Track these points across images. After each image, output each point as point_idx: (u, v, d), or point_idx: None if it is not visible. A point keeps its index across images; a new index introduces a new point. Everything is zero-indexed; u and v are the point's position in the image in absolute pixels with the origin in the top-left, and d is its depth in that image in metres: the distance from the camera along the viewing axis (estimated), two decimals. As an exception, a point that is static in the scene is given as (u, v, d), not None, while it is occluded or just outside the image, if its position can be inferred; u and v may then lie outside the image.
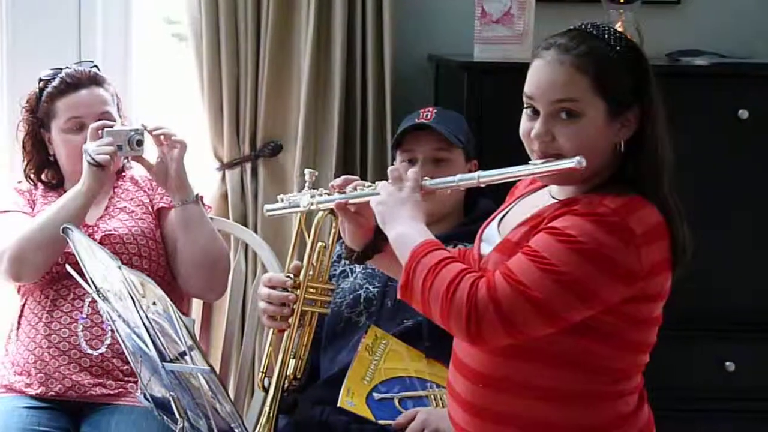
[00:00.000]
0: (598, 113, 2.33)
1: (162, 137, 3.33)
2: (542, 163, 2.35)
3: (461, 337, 2.32)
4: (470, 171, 3.05)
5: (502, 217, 2.54)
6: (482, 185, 2.46)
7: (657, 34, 3.91)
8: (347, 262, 3.20)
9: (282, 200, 2.76)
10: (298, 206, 2.69)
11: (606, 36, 2.38)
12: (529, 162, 2.38)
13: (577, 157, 2.30)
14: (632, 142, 2.38)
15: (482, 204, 3.16)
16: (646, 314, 2.38)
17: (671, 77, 3.73)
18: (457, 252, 2.64)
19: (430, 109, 3.24)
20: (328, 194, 2.62)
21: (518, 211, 2.50)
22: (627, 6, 3.79)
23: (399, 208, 2.40)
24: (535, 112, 2.37)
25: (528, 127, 2.38)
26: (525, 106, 2.39)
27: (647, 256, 2.28)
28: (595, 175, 2.37)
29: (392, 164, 3.25)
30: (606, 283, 2.26)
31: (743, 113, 3.62)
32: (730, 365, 3.70)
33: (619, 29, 3.70)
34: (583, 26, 2.41)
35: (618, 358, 2.38)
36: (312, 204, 2.65)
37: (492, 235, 2.51)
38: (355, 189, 2.58)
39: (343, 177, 2.65)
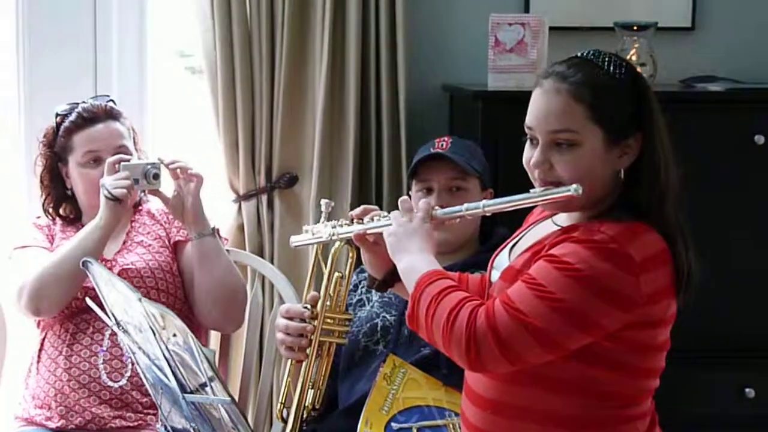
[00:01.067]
0: (596, 141, 2.34)
1: (178, 170, 3.34)
2: (541, 191, 2.38)
3: (462, 364, 2.34)
4: (486, 199, 3.06)
5: (514, 245, 2.56)
6: (488, 213, 2.50)
7: (671, 61, 3.92)
8: (364, 290, 3.21)
9: (306, 231, 2.81)
10: (321, 237, 2.74)
11: (605, 63, 2.39)
12: (530, 191, 2.40)
13: (574, 186, 2.31)
14: (635, 168, 2.38)
15: (498, 233, 3.16)
16: (649, 340, 2.38)
17: (686, 103, 3.75)
18: (480, 277, 2.67)
19: (446, 138, 3.24)
20: (348, 224, 2.67)
21: (527, 239, 2.52)
22: (641, 33, 3.80)
23: (408, 239, 2.43)
24: (536, 141, 2.39)
25: (529, 156, 2.41)
26: (527, 135, 2.41)
27: (647, 283, 2.29)
28: (598, 202, 2.38)
29: (408, 194, 3.26)
30: (603, 310, 2.27)
31: (759, 138, 3.63)
32: (750, 392, 3.69)
33: (632, 56, 3.75)
34: (584, 54, 2.43)
35: (623, 383, 2.39)
36: (333, 234, 2.70)
37: (502, 263, 2.54)
38: (373, 219, 2.60)
39: (362, 207, 2.68)
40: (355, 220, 2.65)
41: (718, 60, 4.03)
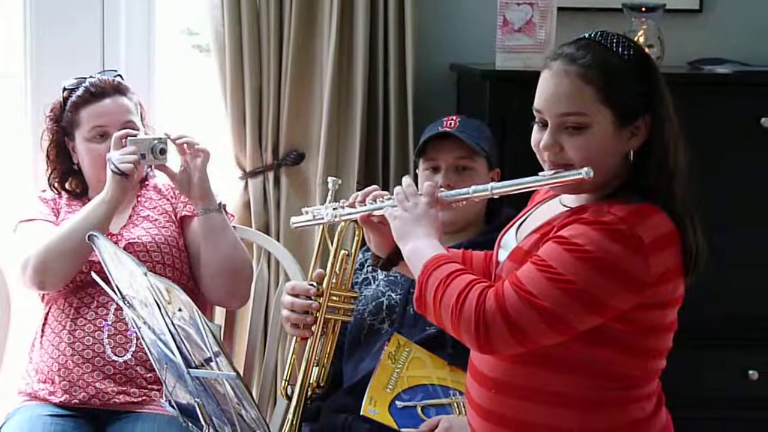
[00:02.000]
0: (605, 123, 2.34)
1: (185, 146, 3.35)
2: (552, 174, 2.38)
3: (472, 347, 2.34)
4: (493, 180, 3.07)
5: (521, 224, 2.56)
6: (495, 196, 2.49)
7: (679, 43, 3.91)
8: (369, 269, 3.21)
9: (306, 213, 2.79)
10: (322, 219, 2.73)
11: (613, 44, 2.38)
12: (539, 173, 2.40)
13: (585, 168, 2.31)
14: (643, 149, 2.38)
15: (504, 212, 3.16)
16: (658, 321, 2.39)
17: (693, 85, 3.74)
18: (484, 254, 2.67)
19: (454, 117, 3.24)
20: (350, 206, 2.66)
21: (534, 219, 2.52)
22: (649, 14, 3.79)
23: (414, 223, 2.44)
24: (544, 124, 2.39)
25: (538, 138, 2.40)
26: (535, 118, 2.41)
27: (656, 264, 2.29)
28: (606, 184, 2.38)
29: (415, 173, 3.26)
30: (614, 292, 2.28)
31: (766, 121, 3.62)
32: (753, 374, 3.69)
33: (640, 37, 3.74)
34: (591, 35, 2.42)
35: (630, 364, 2.39)
36: (336, 216, 2.69)
37: (509, 242, 2.54)
38: (376, 200, 2.61)
39: (364, 190, 2.68)
40: (358, 203, 2.65)
41: (725, 42, 4.02)
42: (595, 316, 2.29)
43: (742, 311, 3.70)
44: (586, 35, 2.43)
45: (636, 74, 2.37)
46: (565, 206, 2.45)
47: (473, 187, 2.50)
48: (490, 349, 2.31)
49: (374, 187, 2.70)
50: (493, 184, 2.48)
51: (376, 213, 2.58)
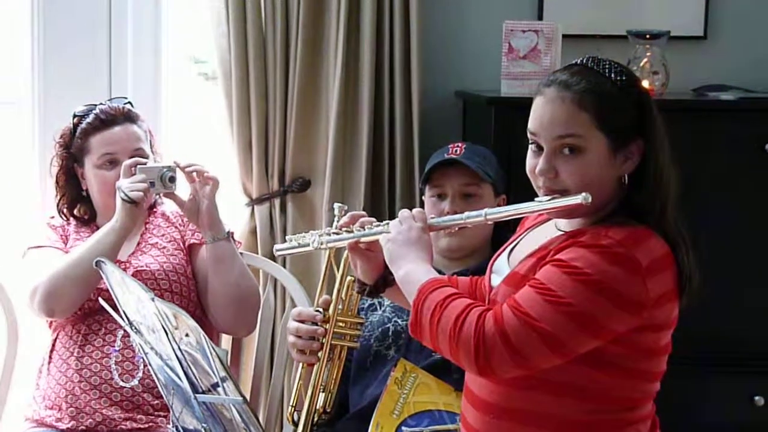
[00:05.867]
0: (600, 148, 2.36)
1: (195, 174, 3.36)
2: (549, 200, 2.39)
3: (470, 370, 2.35)
4: (499, 206, 3.07)
5: (512, 249, 2.57)
6: (489, 222, 2.51)
7: (684, 69, 3.93)
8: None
9: (291, 240, 2.78)
10: (307, 246, 2.71)
11: (606, 70, 2.40)
12: (535, 199, 2.41)
13: (583, 194, 2.32)
14: (637, 174, 2.40)
15: (510, 239, 3.17)
16: (654, 344, 2.39)
17: (698, 112, 3.75)
18: (468, 279, 2.68)
19: (460, 144, 3.26)
20: (336, 233, 2.66)
21: (527, 243, 2.53)
22: (654, 41, 3.81)
23: (407, 247, 2.44)
24: (539, 148, 2.40)
25: (533, 163, 2.42)
26: (530, 142, 2.42)
27: (654, 287, 2.30)
28: (600, 208, 2.39)
29: (421, 200, 3.28)
30: (612, 314, 2.28)
31: (770, 148, 3.64)
32: (759, 399, 3.69)
33: (645, 64, 3.75)
34: (584, 61, 2.44)
35: (626, 387, 2.40)
36: (322, 243, 2.68)
37: (502, 267, 2.55)
38: (363, 226, 2.61)
39: (349, 214, 2.69)
40: (344, 230, 2.65)
41: (730, 69, 4.03)
42: (594, 339, 2.30)
43: (747, 335, 3.70)
44: (578, 61, 2.45)
45: (629, 99, 2.39)
46: (560, 230, 2.47)
47: (467, 213, 2.51)
48: (490, 372, 2.31)
49: (362, 213, 2.70)
50: (487, 210, 2.49)
51: (363, 240, 2.58)
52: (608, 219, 2.38)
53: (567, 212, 2.41)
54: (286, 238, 2.83)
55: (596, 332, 2.29)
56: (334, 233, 2.67)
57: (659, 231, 2.36)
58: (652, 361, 2.42)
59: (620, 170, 2.40)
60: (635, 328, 2.32)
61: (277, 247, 2.84)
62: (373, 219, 2.63)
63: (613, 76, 2.39)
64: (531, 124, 2.41)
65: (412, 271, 2.41)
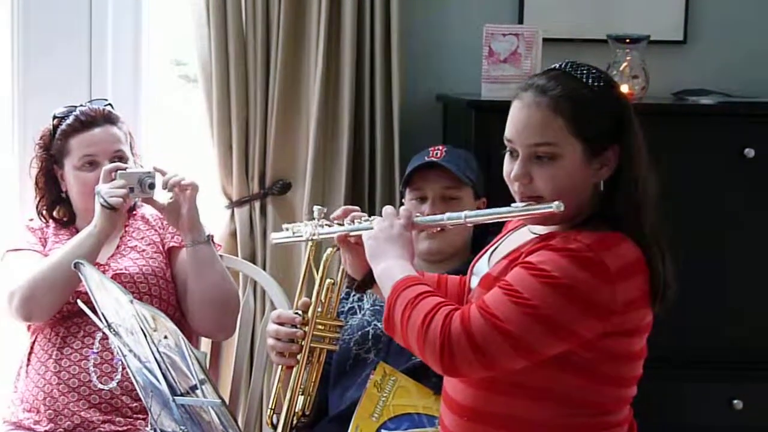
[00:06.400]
0: (575, 154, 2.36)
1: (175, 187, 3.34)
2: (524, 206, 2.40)
3: (436, 369, 2.35)
4: (479, 208, 3.08)
5: (493, 251, 2.58)
6: (468, 224, 2.55)
7: (664, 74, 3.94)
8: (355, 298, 3.22)
9: (287, 229, 2.82)
10: (302, 236, 2.76)
11: (584, 76, 2.40)
12: (512, 204, 2.42)
13: (556, 202, 2.34)
14: (613, 180, 2.40)
15: (489, 241, 3.17)
16: (625, 349, 2.40)
17: (678, 116, 3.77)
18: (459, 278, 2.70)
19: (440, 147, 3.26)
20: (329, 225, 2.70)
21: (505, 246, 2.55)
22: (633, 45, 3.81)
23: (388, 244, 2.45)
24: (515, 154, 2.40)
25: (509, 169, 2.43)
26: (507, 148, 2.43)
27: (622, 292, 2.31)
28: (576, 214, 2.40)
29: (401, 203, 3.28)
30: (579, 318, 2.29)
31: (749, 152, 3.64)
32: (738, 403, 3.69)
33: (625, 68, 3.76)
34: (563, 66, 2.44)
35: (601, 391, 2.41)
36: (315, 234, 2.72)
37: (481, 269, 2.56)
38: (354, 221, 2.63)
39: (342, 208, 2.72)
40: (336, 222, 2.67)
41: (709, 73, 4.05)
42: (560, 342, 2.30)
43: (727, 339, 3.71)
44: (556, 66, 2.45)
45: (605, 105, 2.40)
46: (533, 233, 2.48)
47: (447, 214, 2.53)
48: (455, 371, 2.32)
49: (356, 207, 2.72)
50: (467, 212, 2.51)
51: (355, 233, 2.60)
52: (584, 224, 2.38)
53: (541, 219, 2.42)
54: (283, 226, 2.87)
55: (561, 335, 2.30)
56: (327, 225, 2.70)
57: (633, 237, 2.36)
58: (626, 365, 2.42)
59: (596, 176, 2.40)
60: (604, 333, 2.32)
61: (273, 235, 2.90)
62: (364, 214, 2.65)
63: (590, 81, 2.39)
64: (507, 131, 2.42)
65: (389, 268, 2.42)
